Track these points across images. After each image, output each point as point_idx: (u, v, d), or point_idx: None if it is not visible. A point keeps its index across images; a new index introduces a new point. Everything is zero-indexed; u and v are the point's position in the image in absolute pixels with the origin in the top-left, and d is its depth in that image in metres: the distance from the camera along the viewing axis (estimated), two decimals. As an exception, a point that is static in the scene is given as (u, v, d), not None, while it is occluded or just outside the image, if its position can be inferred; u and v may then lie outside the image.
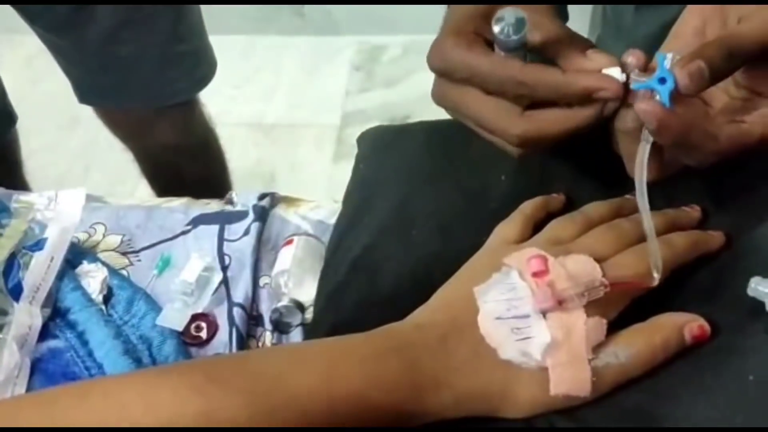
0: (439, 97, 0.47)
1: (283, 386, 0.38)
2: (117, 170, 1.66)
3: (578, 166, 0.48)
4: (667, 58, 0.40)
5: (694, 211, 0.48)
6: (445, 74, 0.45)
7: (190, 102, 1.09)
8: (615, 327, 0.42)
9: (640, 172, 0.41)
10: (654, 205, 0.49)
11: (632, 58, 0.42)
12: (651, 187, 0.46)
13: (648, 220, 0.42)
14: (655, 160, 0.42)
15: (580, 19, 1.41)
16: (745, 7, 0.42)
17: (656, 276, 0.42)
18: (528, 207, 0.49)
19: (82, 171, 1.78)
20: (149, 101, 1.03)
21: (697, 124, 0.41)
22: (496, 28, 0.42)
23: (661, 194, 0.48)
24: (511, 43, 0.42)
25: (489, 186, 0.54)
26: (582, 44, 0.43)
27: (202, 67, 1.04)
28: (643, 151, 0.41)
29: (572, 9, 1.27)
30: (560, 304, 0.40)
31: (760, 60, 0.41)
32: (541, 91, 0.42)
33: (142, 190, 1.57)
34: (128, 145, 1.16)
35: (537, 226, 0.48)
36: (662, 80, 0.39)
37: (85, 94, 1.04)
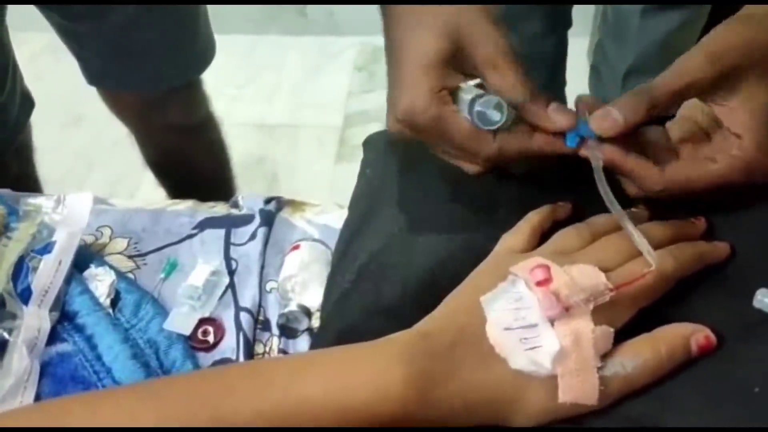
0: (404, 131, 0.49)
1: (293, 396, 0.39)
2: (119, 169, 1.66)
3: (585, 174, 0.48)
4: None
5: (699, 223, 0.49)
6: (415, 130, 0.48)
7: (195, 82, 1.11)
8: (621, 337, 0.42)
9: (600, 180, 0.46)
10: (661, 217, 0.49)
11: (582, 106, 0.47)
12: (655, 199, 0.47)
13: (620, 213, 0.44)
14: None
15: (582, 23, 1.41)
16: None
17: (652, 262, 0.42)
18: (534, 217, 0.49)
19: (85, 170, 1.78)
20: (160, 83, 1.04)
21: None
22: (478, 114, 0.46)
23: (667, 206, 0.49)
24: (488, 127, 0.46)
25: (496, 193, 0.54)
26: (543, 98, 0.47)
27: (208, 48, 1.07)
28: (598, 171, 0.46)
29: (575, 13, 1.27)
30: (567, 311, 0.40)
31: (723, 96, 0.45)
32: (509, 157, 0.48)
33: (144, 189, 1.58)
34: (132, 128, 1.16)
35: (544, 235, 0.48)
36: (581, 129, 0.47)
37: (95, 77, 1.04)
